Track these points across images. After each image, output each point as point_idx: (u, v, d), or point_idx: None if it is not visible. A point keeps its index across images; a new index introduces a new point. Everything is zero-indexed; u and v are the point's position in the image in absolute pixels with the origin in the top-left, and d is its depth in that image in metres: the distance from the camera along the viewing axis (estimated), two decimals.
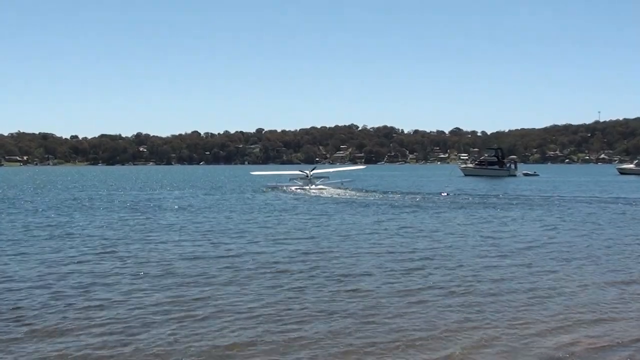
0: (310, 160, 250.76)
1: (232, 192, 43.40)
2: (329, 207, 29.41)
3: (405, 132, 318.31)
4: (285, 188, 47.89)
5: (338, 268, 12.48)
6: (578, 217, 23.76)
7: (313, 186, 48.10)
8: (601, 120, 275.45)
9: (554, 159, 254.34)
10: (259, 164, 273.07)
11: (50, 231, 19.20)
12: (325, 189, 47.75)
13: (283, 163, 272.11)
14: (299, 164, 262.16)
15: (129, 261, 13.52)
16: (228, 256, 14.21)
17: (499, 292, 10.39)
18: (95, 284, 10.94)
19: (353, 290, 10.36)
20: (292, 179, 51.42)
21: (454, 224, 21.69)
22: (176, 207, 29.85)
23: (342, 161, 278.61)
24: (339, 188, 48.16)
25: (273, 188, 48.55)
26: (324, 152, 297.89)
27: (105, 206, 30.61)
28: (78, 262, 13.15)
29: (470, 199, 35.19)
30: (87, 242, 16.53)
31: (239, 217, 24.24)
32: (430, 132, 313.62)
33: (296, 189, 47.43)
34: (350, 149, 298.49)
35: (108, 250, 15.22)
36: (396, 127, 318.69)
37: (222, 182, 67.97)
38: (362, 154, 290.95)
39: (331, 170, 60.99)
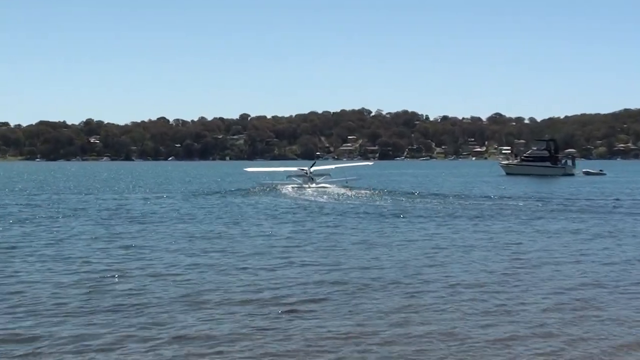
0: (309, 155, 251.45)
1: (229, 195, 44.82)
2: (372, 217, 29.55)
3: (431, 118, 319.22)
4: (280, 187, 49.64)
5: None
6: None
7: (313, 185, 49.88)
8: None
9: (626, 153, 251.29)
10: (244, 159, 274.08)
11: None
12: (328, 187, 49.45)
13: (275, 158, 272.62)
14: (295, 159, 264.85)
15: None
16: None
17: None
18: None
19: None
20: (290, 176, 53.48)
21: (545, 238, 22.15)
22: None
23: (351, 156, 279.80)
24: (345, 187, 49.77)
25: (267, 187, 50.24)
26: (327, 145, 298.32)
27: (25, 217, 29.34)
28: None
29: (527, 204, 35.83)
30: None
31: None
32: (463, 119, 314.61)
33: (293, 188, 49.05)
34: (360, 141, 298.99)
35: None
36: (419, 112, 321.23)
37: (209, 183, 68.97)
38: (375, 147, 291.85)
39: (333, 166, 62.91)
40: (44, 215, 29.67)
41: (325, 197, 41.69)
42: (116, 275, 14.74)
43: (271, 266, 16.08)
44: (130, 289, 13.25)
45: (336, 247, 19.56)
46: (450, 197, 41.76)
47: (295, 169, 55.62)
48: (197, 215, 29.78)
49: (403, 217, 28.76)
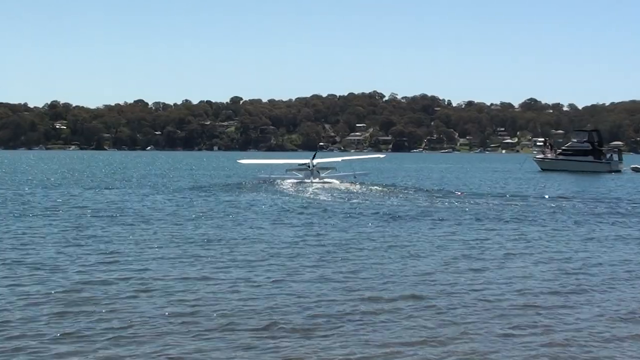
0: (311, 145, 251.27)
1: (220, 191, 45.17)
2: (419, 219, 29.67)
3: (454, 104, 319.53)
4: (279, 182, 50.89)
5: None
6: None
7: (316, 180, 51.15)
8: None
9: None
10: (235, 149, 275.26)
11: None
12: (333, 183, 50.71)
13: (271, 149, 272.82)
14: (295, 150, 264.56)
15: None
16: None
17: None
18: None
19: None
20: (290, 170, 54.86)
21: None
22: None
23: (360, 147, 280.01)
24: (353, 183, 50.80)
25: (264, 182, 51.33)
26: (332, 134, 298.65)
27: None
28: None
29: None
30: None
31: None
32: (492, 105, 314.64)
33: (294, 183, 50.23)
34: (371, 130, 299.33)
35: None
36: (440, 97, 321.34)
37: (196, 177, 69.14)
38: (388, 137, 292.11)
39: (339, 159, 64.07)
40: (2, 213, 29.63)
41: (330, 194, 42.01)
42: (92, 289, 14.69)
43: (274, 278, 16.08)
44: (108, 307, 13.20)
45: (348, 255, 19.63)
46: (479, 196, 41.88)
47: (299, 161, 56.71)
48: (185, 215, 29.91)
49: (423, 220, 28.91)
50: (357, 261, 18.56)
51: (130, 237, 22.69)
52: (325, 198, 39.73)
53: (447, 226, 26.74)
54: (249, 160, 65.75)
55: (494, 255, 19.98)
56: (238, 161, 64.84)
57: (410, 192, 45.54)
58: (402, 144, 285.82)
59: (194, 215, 29.75)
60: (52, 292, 14.26)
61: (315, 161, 53.64)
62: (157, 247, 20.52)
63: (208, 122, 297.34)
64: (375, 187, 48.81)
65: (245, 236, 23.29)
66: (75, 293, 14.25)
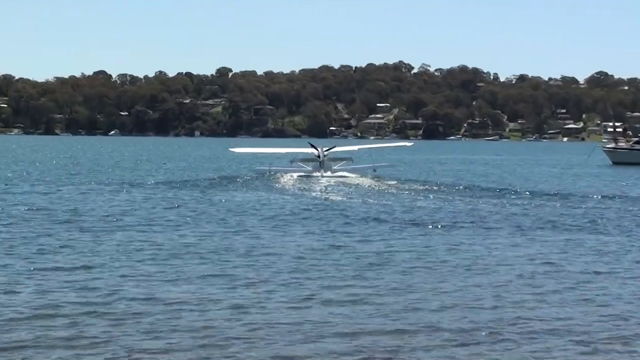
0: (319, 130, 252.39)
1: (206, 187, 46.29)
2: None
3: (502, 79, 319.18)
4: (281, 176, 52.05)
5: None
6: None
7: (328, 173, 52.21)
8: None
9: None
10: (222, 134, 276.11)
11: None
12: (348, 177, 51.56)
13: (267, 135, 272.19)
14: (299, 136, 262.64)
15: None
16: None
17: None
18: None
19: None
20: (294, 161, 56.21)
21: None
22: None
23: (381, 133, 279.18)
24: (373, 178, 51.32)
25: (262, 176, 52.47)
26: (346, 116, 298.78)
27: None
28: None
29: None
30: None
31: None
32: (550, 80, 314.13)
33: (300, 178, 51.34)
34: (395, 111, 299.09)
35: None
36: (484, 69, 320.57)
37: (175, 169, 69.38)
38: (418, 120, 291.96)
39: (355, 147, 64.54)
40: None
41: (344, 192, 42.33)
42: (49, 314, 14.57)
43: (285, 304, 16.05)
44: (71, 337, 13.07)
45: (376, 273, 19.60)
46: (539, 197, 41.89)
47: (305, 150, 57.62)
48: (165, 218, 30.32)
49: (467, 227, 28.94)
50: (392, 281, 18.51)
51: (97, 248, 22.75)
52: (338, 197, 39.97)
53: (505, 236, 26.74)
54: (243, 149, 67.14)
55: (572, 275, 19.84)
56: (230, 150, 66.36)
57: (447, 190, 45.47)
58: (435, 130, 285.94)
59: (175, 220, 29.84)
60: None
61: (325, 150, 54.18)
62: (131, 261, 20.69)
63: (188, 101, 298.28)
64: (401, 183, 49.05)
65: (242, 247, 23.44)
66: (30, 320, 14.08)
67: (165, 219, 30.17)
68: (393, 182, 49.37)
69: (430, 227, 28.74)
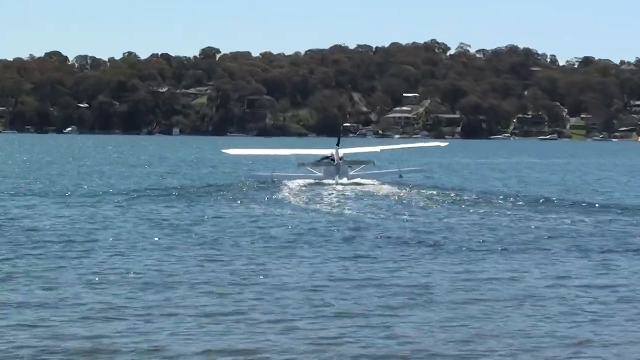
0: (330, 127, 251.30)
1: (194, 198, 46.98)
2: None
3: (562, 62, 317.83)
4: (286, 184, 53.05)
5: None
6: None
7: (344, 179, 53.07)
8: None
9: None
10: (208, 132, 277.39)
11: None
12: (368, 185, 52.44)
13: (265, 132, 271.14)
14: (305, 135, 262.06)
15: None
16: None
17: None
18: None
19: None
20: (302, 165, 56.95)
21: None
22: None
23: (408, 131, 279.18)
24: (398, 185, 51.93)
25: (263, 184, 53.78)
26: (365, 109, 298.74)
27: None
28: None
29: None
30: None
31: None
32: (623, 64, 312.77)
33: (309, 186, 52.40)
34: (427, 102, 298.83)
35: None
36: (538, 50, 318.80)
37: (152, 175, 70.53)
38: (455, 115, 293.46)
39: (377, 148, 65.68)
40: None
41: (365, 204, 42.54)
42: None
43: (307, 349, 16.02)
44: None
45: (414, 310, 19.62)
46: (623, 211, 42.17)
47: (315, 152, 58.86)
48: (139, 237, 30.51)
49: (524, 249, 28.93)
50: (440, 322, 18.47)
51: (55, 275, 22.81)
52: (357, 211, 40.11)
53: (597, 262, 26.71)
54: (239, 151, 67.40)
55: None
56: (223, 152, 66.83)
57: (492, 201, 45.91)
58: (477, 126, 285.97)
59: (155, 240, 29.90)
60: None
61: (341, 151, 54.85)
62: (101, 295, 20.67)
63: (164, 89, 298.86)
64: (435, 192, 49.34)
65: (241, 277, 23.45)
66: None
67: (142, 241, 30.01)
68: (424, 192, 49.67)
69: (474, 250, 28.78)
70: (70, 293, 20.79)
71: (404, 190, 49.94)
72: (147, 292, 21.22)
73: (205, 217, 38.03)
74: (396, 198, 46.41)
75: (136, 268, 24.55)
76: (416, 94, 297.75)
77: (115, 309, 19.22)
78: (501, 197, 49.36)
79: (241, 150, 68.71)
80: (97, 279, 22.75)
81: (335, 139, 59.16)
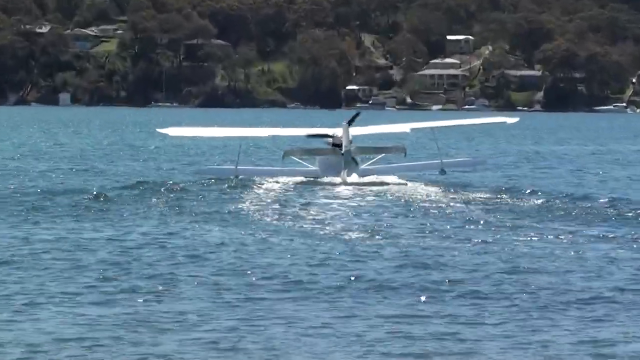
0: (324, 93, 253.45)
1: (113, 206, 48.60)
2: None
3: None
4: (263, 184, 53.90)
5: None
6: None
7: (354, 177, 53.64)
8: None
9: None
10: (119, 99, 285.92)
11: None
12: (387, 183, 53.77)
13: (211, 100, 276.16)
14: (284, 105, 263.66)
15: None
16: None
17: None
18: None
19: None
20: (291, 154, 57.62)
21: None
22: None
23: (453, 99, 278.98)
24: (437, 185, 53.69)
25: (227, 180, 54.50)
26: (382, 61, 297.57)
27: None
28: None
29: None
30: None
31: None
32: None
33: (296, 184, 53.34)
34: (486, 51, 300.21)
35: None
36: None
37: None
38: (534, 71, 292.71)
39: (406, 127, 65.75)
40: None
41: (390, 224, 42.23)
42: None
43: None
44: None
45: None
46: None
47: (307, 130, 61.31)
48: (47, 264, 32.00)
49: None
50: None
51: None
52: (381, 236, 39.21)
53: None
54: (183, 130, 67.95)
55: None
56: (158, 132, 68.09)
57: (587, 212, 46.63)
58: (570, 90, 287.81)
59: (59, 262, 31.43)
60: None
61: (351, 132, 54.17)
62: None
63: (45, 29, 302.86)
64: (505, 198, 49.76)
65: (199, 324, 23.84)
66: None
67: (47, 260, 32.33)
68: (483, 197, 50.03)
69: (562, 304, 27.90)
70: None
71: (448, 193, 50.86)
72: None
73: (133, 236, 38.74)
74: (438, 206, 46.66)
75: (40, 314, 25.29)
76: (468, 37, 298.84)
77: None
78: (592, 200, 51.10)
79: (188, 129, 69.57)
80: None
81: (336, 113, 59.32)
